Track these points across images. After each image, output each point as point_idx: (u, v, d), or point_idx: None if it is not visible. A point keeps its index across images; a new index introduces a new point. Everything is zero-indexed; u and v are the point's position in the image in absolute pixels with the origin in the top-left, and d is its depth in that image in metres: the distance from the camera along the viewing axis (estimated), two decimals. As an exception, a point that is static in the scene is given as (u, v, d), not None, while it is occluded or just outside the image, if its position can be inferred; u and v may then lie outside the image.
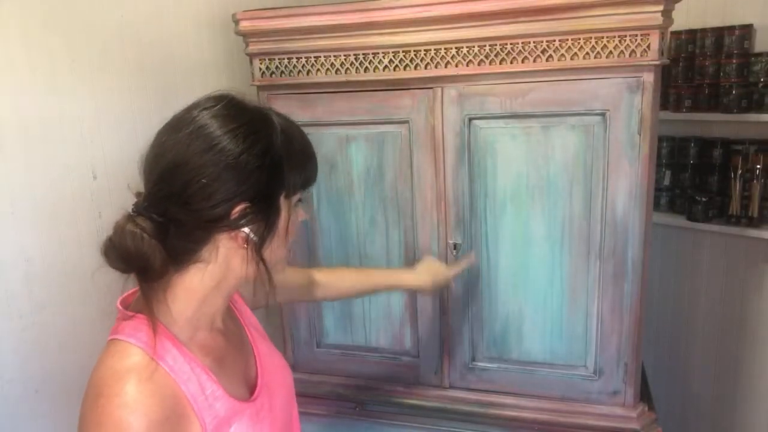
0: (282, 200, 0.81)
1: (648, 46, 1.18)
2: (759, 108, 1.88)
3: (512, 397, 1.46)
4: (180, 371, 0.75)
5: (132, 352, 0.73)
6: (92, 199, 1.40)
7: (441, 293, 1.45)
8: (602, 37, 1.20)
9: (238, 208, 0.75)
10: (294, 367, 1.63)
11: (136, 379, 0.71)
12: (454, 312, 1.45)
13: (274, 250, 0.82)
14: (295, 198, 0.84)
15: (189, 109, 0.79)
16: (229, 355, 0.87)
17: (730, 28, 1.93)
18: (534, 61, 1.25)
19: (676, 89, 2.07)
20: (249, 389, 0.88)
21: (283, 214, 0.82)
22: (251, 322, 0.99)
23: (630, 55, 1.19)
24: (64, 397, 1.36)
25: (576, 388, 1.41)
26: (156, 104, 1.53)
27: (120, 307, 0.80)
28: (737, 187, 1.93)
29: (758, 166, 1.89)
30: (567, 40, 1.22)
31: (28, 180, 1.28)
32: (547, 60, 1.24)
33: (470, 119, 1.33)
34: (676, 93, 2.07)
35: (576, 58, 1.23)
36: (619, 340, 1.35)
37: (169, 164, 0.75)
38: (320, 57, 1.38)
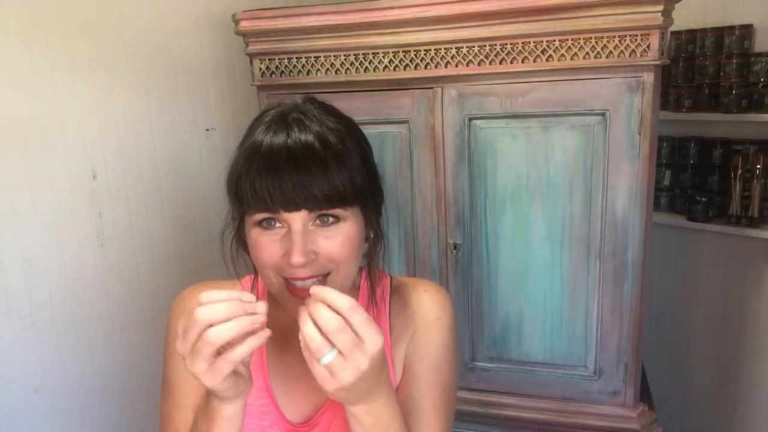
0: (246, 217, 0.71)
1: (648, 46, 1.18)
2: (759, 108, 1.88)
3: (512, 397, 1.46)
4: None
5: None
6: (92, 199, 1.40)
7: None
8: (602, 37, 1.20)
9: None
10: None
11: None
12: (454, 312, 1.45)
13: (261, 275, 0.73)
14: (252, 218, 0.70)
15: None
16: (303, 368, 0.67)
17: (730, 28, 1.93)
18: (534, 61, 1.25)
19: (676, 89, 2.07)
20: (309, 416, 0.80)
21: (248, 233, 0.72)
22: None
23: (630, 55, 1.19)
24: (64, 397, 1.37)
25: (576, 388, 1.41)
26: (156, 104, 1.53)
27: None
28: (737, 187, 1.93)
29: (758, 166, 1.89)
30: (567, 40, 1.22)
31: (28, 180, 1.28)
32: (547, 60, 1.24)
33: (470, 119, 1.33)
34: (676, 93, 2.07)
35: (576, 58, 1.23)
36: (619, 340, 1.35)
37: None
38: (320, 57, 1.38)
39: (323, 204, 0.68)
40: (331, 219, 0.70)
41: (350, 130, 0.74)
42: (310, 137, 0.68)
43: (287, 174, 0.66)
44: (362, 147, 0.75)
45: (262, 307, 0.63)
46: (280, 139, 0.68)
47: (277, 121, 0.70)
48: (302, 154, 0.67)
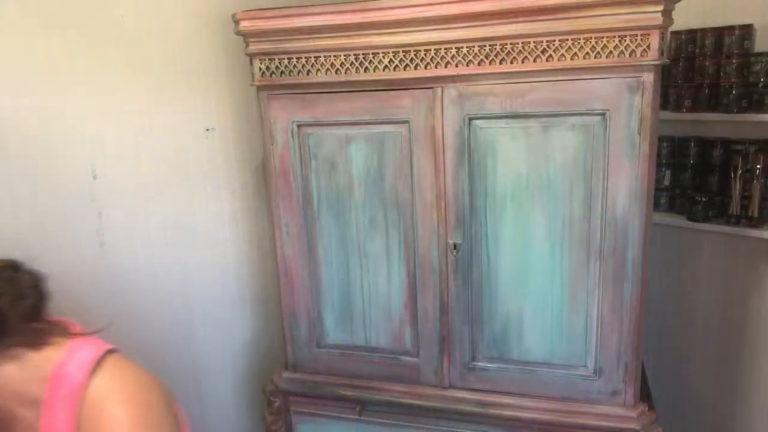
0: None
1: (648, 46, 1.18)
2: (759, 108, 1.88)
3: (512, 397, 1.46)
4: None
5: None
6: (92, 199, 1.40)
7: (441, 293, 1.45)
8: (602, 37, 1.20)
9: None
10: (294, 367, 1.63)
11: None
12: (454, 312, 1.45)
13: None
14: None
15: None
16: None
17: (730, 28, 1.93)
18: (534, 61, 1.25)
19: (676, 89, 2.07)
20: None
21: None
22: None
23: (630, 55, 1.19)
24: (64, 397, 1.36)
25: (576, 388, 1.41)
26: (156, 104, 1.53)
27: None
28: (737, 187, 1.93)
29: (758, 166, 1.89)
30: (567, 40, 1.22)
31: (28, 180, 1.28)
32: (547, 60, 1.24)
33: (470, 119, 1.33)
34: (676, 93, 2.07)
35: (576, 58, 1.23)
36: (619, 340, 1.35)
37: None
38: (320, 57, 1.38)
39: None
40: None
41: None
42: None
43: None
44: None
45: None
46: None
47: None
48: None
